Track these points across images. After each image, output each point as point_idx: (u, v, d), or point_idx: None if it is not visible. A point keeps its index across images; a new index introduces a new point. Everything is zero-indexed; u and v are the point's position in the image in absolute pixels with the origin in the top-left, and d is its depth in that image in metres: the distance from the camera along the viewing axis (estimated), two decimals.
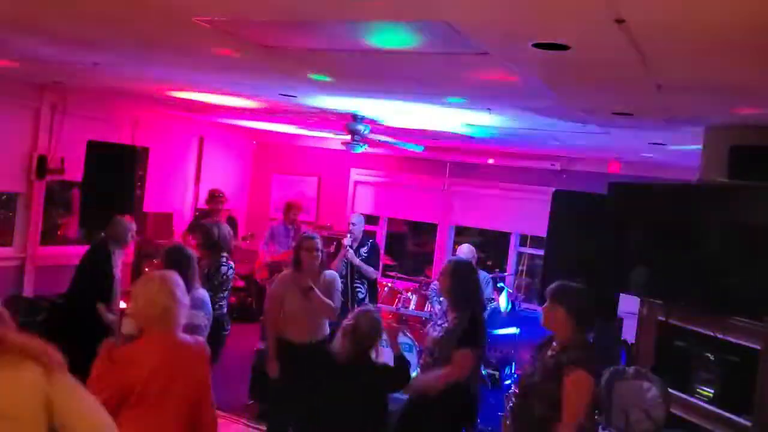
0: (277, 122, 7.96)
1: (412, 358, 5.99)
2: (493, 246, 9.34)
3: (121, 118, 7.65)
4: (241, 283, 8.59)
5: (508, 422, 3.54)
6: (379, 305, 6.62)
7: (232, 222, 7.78)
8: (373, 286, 6.71)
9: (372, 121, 6.23)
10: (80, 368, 2.24)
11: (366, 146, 6.52)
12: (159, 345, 2.80)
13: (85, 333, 4.11)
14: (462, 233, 9.31)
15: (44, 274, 6.95)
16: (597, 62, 2.97)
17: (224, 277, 4.79)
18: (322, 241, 4.79)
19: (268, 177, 10.26)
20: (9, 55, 4.76)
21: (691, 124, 4.43)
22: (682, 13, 2.13)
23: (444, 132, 6.73)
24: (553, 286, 3.43)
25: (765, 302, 2.98)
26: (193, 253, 4.26)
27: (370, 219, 9.19)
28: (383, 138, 6.84)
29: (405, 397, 4.05)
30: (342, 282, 6.38)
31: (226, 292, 4.90)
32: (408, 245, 10.54)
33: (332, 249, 6.70)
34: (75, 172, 6.68)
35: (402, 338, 6.02)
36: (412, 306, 7.24)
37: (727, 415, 3.55)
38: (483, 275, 6.05)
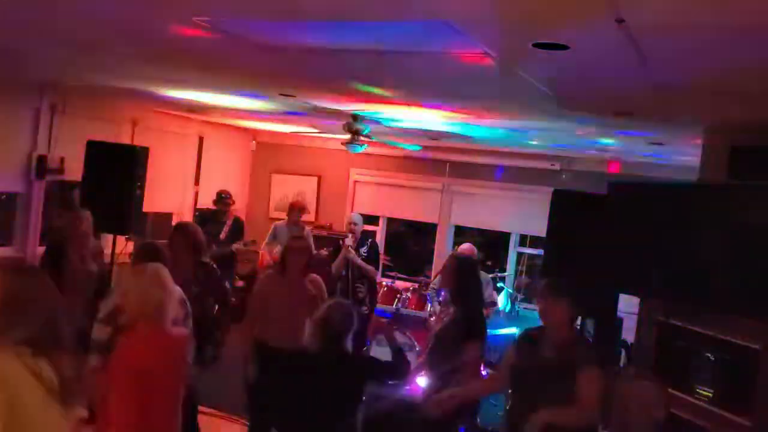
0: (278, 122, 7.97)
1: (411, 357, 5.99)
2: (492, 246, 9.35)
3: (121, 118, 7.65)
4: (241, 283, 8.58)
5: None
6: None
7: (238, 223, 7.76)
8: (372, 285, 6.72)
9: (372, 121, 6.23)
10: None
11: (366, 146, 6.52)
12: (150, 337, 2.82)
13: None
14: (462, 233, 9.31)
15: None
16: (597, 62, 2.98)
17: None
18: (315, 241, 4.68)
19: (268, 177, 10.26)
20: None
21: (691, 124, 4.43)
22: (682, 13, 2.13)
23: (444, 132, 6.74)
24: (551, 281, 3.43)
25: (765, 302, 2.98)
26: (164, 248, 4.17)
27: (370, 219, 9.19)
28: (382, 139, 6.84)
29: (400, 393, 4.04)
30: (342, 282, 6.42)
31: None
32: (408, 245, 10.54)
33: (326, 251, 6.70)
34: (75, 172, 6.69)
35: (401, 338, 6.03)
36: (411, 306, 7.24)
37: (727, 415, 3.55)
38: (483, 276, 6.06)
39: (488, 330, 4.30)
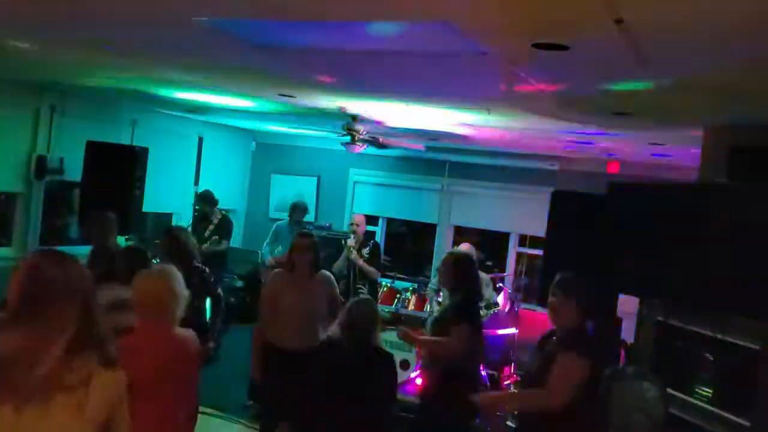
0: (278, 122, 7.96)
1: (411, 358, 6.00)
2: (492, 246, 9.33)
3: (120, 118, 7.65)
4: (240, 283, 8.57)
5: (508, 422, 3.54)
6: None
7: (226, 221, 7.60)
8: (374, 286, 6.72)
9: (372, 122, 6.23)
10: None
11: (366, 146, 6.52)
12: (156, 337, 2.81)
13: None
14: (462, 233, 9.31)
15: None
16: (597, 62, 2.97)
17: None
18: (319, 241, 4.69)
19: (268, 177, 10.26)
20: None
21: (691, 124, 4.43)
22: (682, 13, 2.13)
23: (444, 132, 6.73)
24: (561, 278, 3.36)
25: (765, 302, 2.97)
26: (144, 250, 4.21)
27: (370, 219, 9.18)
28: (382, 139, 6.84)
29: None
30: (344, 283, 6.41)
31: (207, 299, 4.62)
32: (407, 245, 10.53)
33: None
34: (74, 172, 6.68)
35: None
36: (411, 306, 7.24)
37: (727, 415, 3.55)
38: (483, 277, 6.06)
39: (487, 329, 4.33)
